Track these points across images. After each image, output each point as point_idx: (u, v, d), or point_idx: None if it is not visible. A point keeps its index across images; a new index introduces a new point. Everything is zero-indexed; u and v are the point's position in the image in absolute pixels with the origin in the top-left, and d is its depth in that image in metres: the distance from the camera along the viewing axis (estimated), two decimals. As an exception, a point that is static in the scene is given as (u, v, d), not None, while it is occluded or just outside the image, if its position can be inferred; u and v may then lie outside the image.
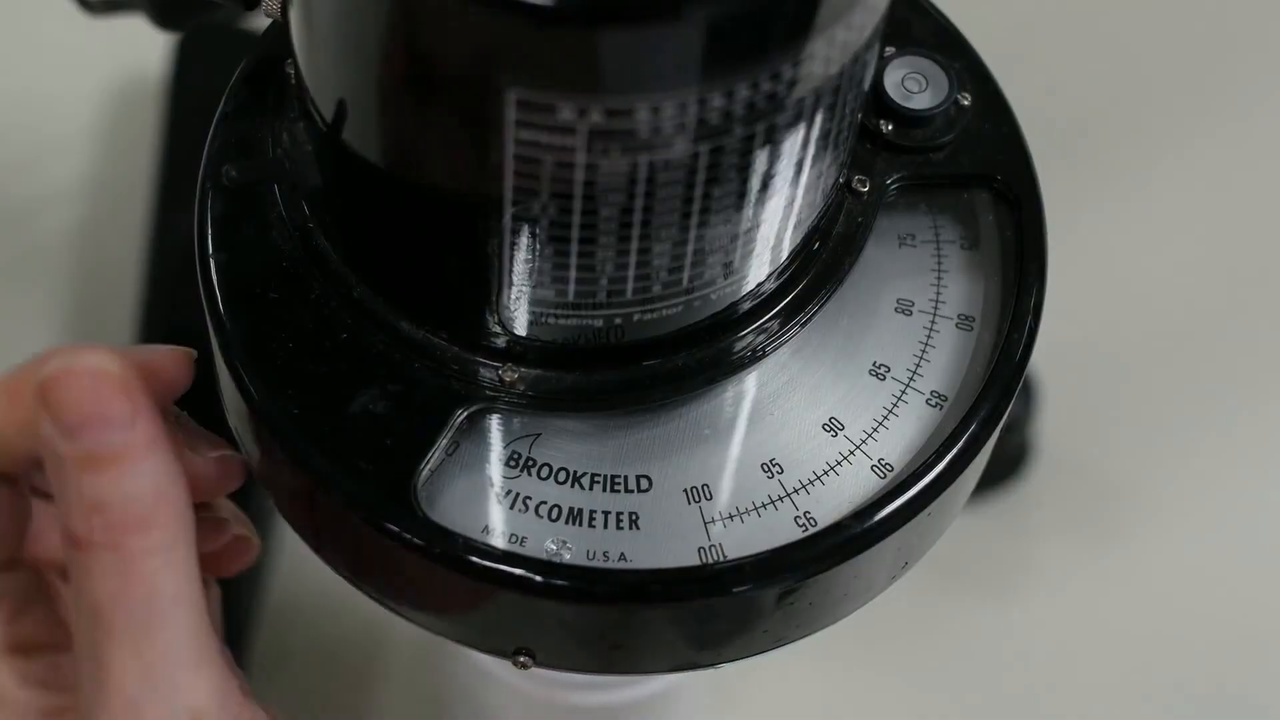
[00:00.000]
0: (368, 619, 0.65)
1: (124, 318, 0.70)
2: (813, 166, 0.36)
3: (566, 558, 0.38)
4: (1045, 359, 0.65)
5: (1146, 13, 0.82)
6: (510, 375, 0.39)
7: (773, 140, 0.34)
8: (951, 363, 0.41)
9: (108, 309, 0.71)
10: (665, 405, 0.40)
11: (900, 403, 0.40)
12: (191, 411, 0.41)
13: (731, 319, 0.39)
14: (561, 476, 0.39)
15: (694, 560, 0.38)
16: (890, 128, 0.41)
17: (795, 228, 0.38)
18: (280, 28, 0.39)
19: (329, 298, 0.39)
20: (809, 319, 0.40)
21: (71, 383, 0.35)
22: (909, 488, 0.38)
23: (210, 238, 0.40)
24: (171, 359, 0.39)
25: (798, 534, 0.38)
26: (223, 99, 0.41)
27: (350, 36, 0.34)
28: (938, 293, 0.42)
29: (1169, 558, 0.69)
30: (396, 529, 0.37)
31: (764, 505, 0.39)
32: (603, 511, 0.39)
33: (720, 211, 0.35)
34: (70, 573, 0.36)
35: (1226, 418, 0.72)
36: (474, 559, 0.37)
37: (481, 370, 0.39)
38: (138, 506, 0.36)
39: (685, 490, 0.39)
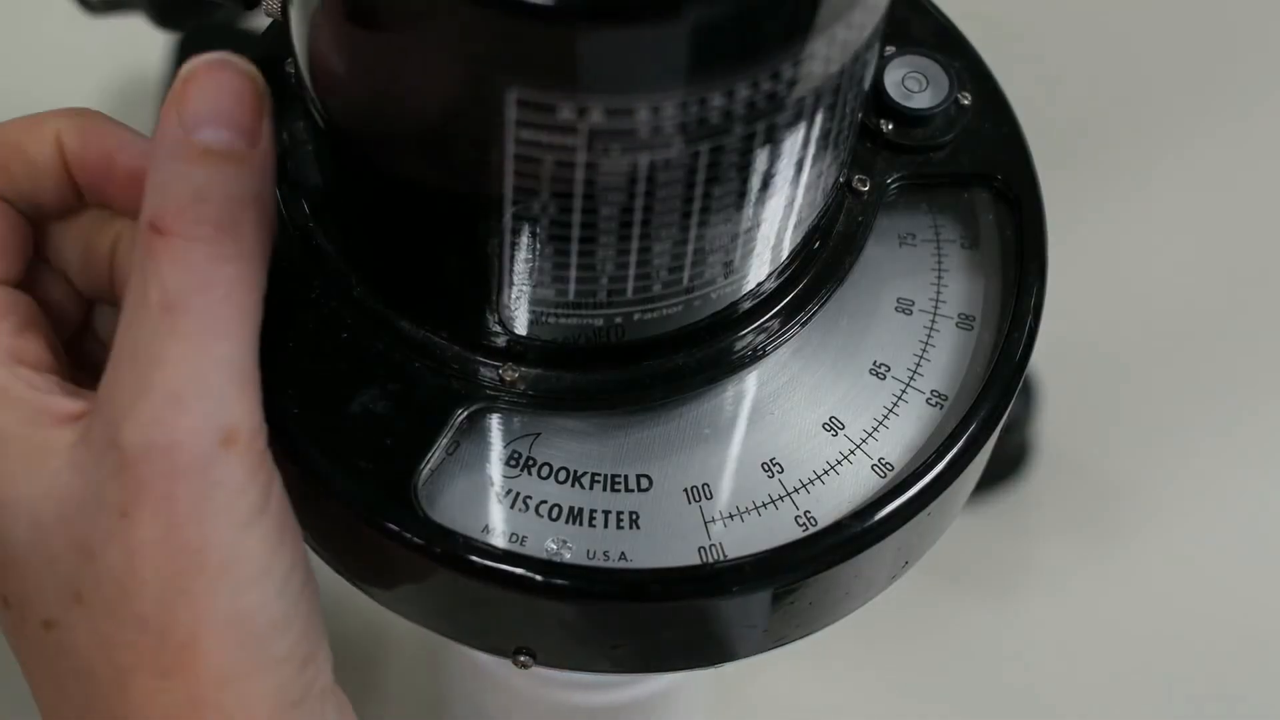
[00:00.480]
0: (368, 619, 0.65)
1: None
2: (813, 166, 0.36)
3: (567, 557, 0.38)
4: (1045, 359, 0.65)
5: (1147, 12, 0.82)
6: (510, 375, 0.39)
7: (773, 140, 0.34)
8: (952, 362, 0.41)
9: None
10: (665, 405, 0.40)
11: (900, 402, 0.40)
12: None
13: (732, 318, 0.39)
14: (562, 476, 0.39)
15: (694, 560, 0.38)
16: (890, 127, 0.41)
17: (795, 227, 0.38)
18: (280, 27, 0.39)
19: (329, 297, 0.39)
20: (809, 318, 0.40)
21: (219, 76, 0.36)
22: (909, 487, 0.38)
23: (210, 237, 0.40)
24: None
25: (798, 533, 0.38)
26: (223, 98, 0.41)
27: (350, 37, 0.34)
28: (938, 292, 0.42)
29: (1169, 557, 0.69)
30: (397, 528, 0.37)
31: (764, 505, 0.39)
32: (603, 511, 0.39)
33: (720, 211, 0.35)
34: (141, 263, 0.36)
35: (1226, 418, 0.72)
36: (474, 558, 0.37)
37: (482, 370, 0.39)
38: (238, 211, 0.36)
39: (685, 490, 0.39)
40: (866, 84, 0.37)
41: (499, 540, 0.38)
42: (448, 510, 0.38)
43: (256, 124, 0.36)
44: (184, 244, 0.36)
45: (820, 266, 0.40)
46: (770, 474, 0.39)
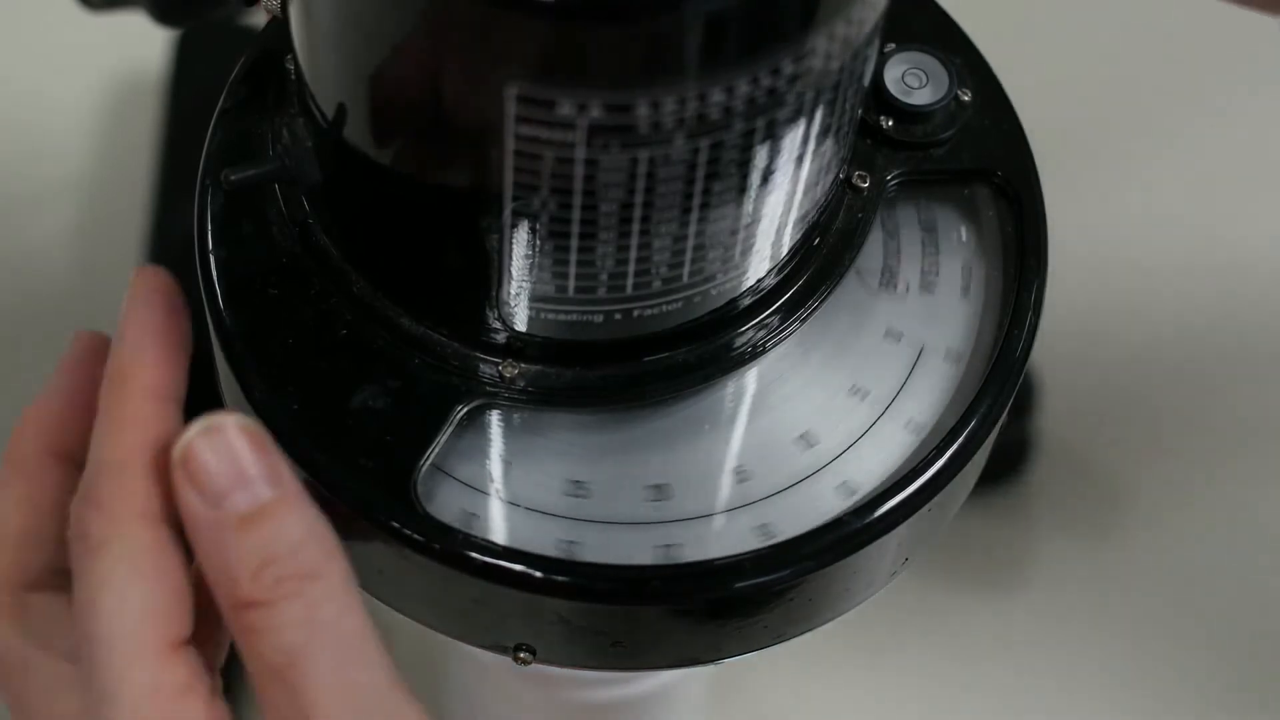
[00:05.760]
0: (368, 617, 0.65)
1: (124, 316, 0.69)
2: (813, 162, 0.36)
3: (564, 554, 0.38)
4: (1046, 355, 0.65)
5: (1148, 9, 0.82)
6: (510, 371, 0.39)
7: (773, 136, 0.34)
8: (952, 360, 0.41)
9: (107, 307, 0.71)
10: (665, 401, 0.40)
11: (895, 405, 0.40)
12: (192, 409, 0.41)
13: (732, 314, 0.39)
14: (561, 472, 0.39)
15: (695, 556, 0.38)
16: (890, 123, 0.41)
17: (795, 223, 0.38)
18: (280, 24, 0.39)
19: (329, 294, 0.39)
20: (809, 314, 0.40)
21: (209, 446, 0.36)
22: (910, 483, 0.38)
23: (210, 234, 0.40)
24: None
25: (796, 530, 0.38)
26: (222, 95, 0.41)
27: (350, 33, 0.34)
28: (938, 288, 0.42)
29: (1170, 553, 0.69)
30: (397, 525, 0.37)
31: (765, 499, 0.39)
32: (600, 508, 0.39)
33: (720, 207, 0.35)
34: (245, 642, 0.36)
35: (1227, 413, 0.72)
36: (474, 555, 0.37)
37: (481, 366, 0.39)
38: (306, 552, 0.36)
39: (683, 486, 0.39)
40: (866, 80, 0.37)
41: (499, 537, 0.38)
42: (448, 507, 0.38)
43: (267, 461, 0.36)
44: (282, 608, 0.35)
45: (820, 263, 0.40)
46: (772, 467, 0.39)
